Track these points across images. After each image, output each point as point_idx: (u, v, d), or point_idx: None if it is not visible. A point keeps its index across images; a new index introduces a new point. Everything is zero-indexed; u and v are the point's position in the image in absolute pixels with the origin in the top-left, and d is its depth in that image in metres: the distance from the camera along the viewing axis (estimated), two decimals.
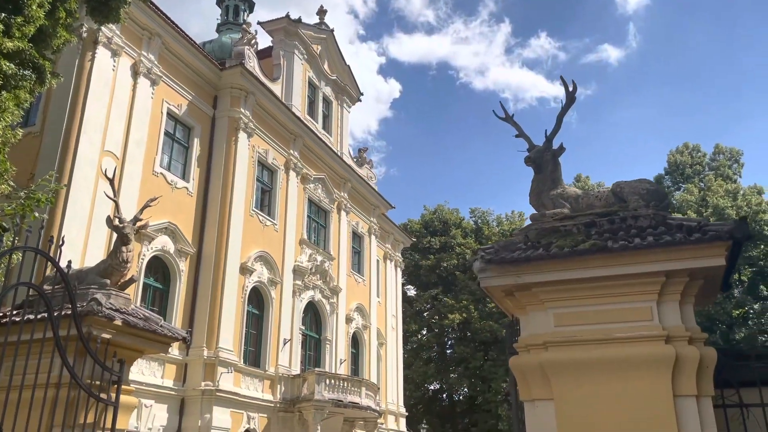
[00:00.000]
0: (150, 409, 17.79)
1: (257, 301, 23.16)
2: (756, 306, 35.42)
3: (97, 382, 6.76)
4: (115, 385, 7.19)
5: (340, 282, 28.28)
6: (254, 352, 22.51)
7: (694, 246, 5.06)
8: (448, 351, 49.29)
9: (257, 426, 21.12)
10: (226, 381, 19.81)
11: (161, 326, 7.97)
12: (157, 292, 19.42)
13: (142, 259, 18.54)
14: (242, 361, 21.26)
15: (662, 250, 5.13)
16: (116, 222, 8.13)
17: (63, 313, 6.47)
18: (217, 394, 19.18)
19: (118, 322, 7.21)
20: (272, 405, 22.03)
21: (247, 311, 22.20)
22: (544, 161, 6.50)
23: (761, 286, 35.63)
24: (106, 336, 7.09)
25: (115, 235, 8.03)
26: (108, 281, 7.81)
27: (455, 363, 46.33)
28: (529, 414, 5.56)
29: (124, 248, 8.06)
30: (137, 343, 7.70)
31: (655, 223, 5.45)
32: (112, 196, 8.78)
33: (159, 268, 19.59)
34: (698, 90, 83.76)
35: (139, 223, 8.42)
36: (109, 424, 7.11)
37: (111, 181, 8.80)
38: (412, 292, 50.42)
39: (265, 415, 21.65)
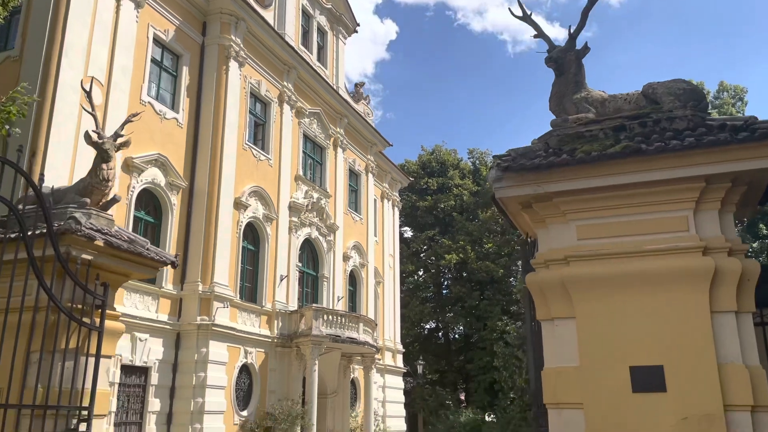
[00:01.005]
0: (145, 342, 17.57)
1: (252, 237, 22.72)
2: None
3: (80, 306, 6.27)
4: (99, 310, 6.70)
5: (337, 220, 27.82)
6: (250, 288, 22.24)
7: (741, 146, 4.48)
8: (444, 291, 49.52)
9: (254, 360, 21.06)
10: (222, 316, 19.58)
11: (147, 249, 7.42)
12: (149, 226, 18.91)
13: (132, 191, 17.93)
14: (238, 296, 21.00)
15: (704, 152, 4.56)
16: (95, 138, 7.46)
17: (38, 232, 5.89)
18: (213, 328, 18.97)
19: (100, 243, 6.65)
20: (269, 340, 21.93)
21: (243, 247, 21.78)
22: (567, 62, 5.84)
23: None
24: (87, 257, 6.54)
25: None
26: (88, 200, 7.20)
27: (451, 302, 46.58)
28: (547, 334, 5.10)
29: (104, 166, 7.42)
30: (122, 267, 7.17)
31: (694, 125, 4.85)
32: (90, 110, 8.06)
33: (150, 201, 19.00)
34: (701, 28, 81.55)
35: (120, 140, 7.75)
36: (94, 350, 6.65)
37: (88, 95, 8.06)
38: (408, 233, 50.20)
39: (263, 350, 21.57)
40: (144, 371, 17.61)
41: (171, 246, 19.26)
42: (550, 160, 4.99)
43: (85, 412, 6.38)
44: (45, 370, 5.95)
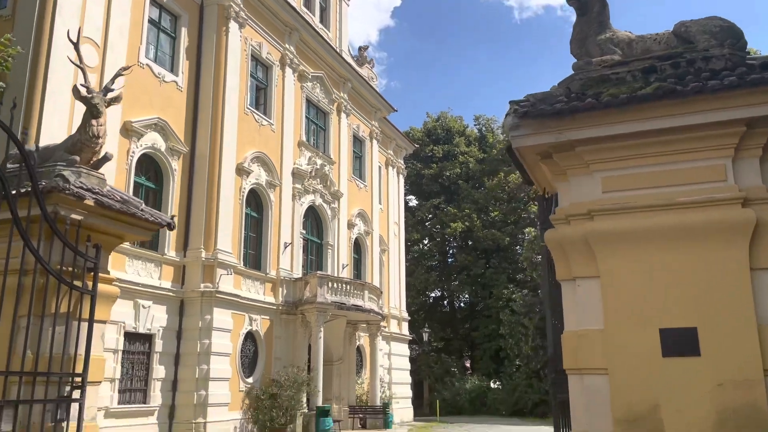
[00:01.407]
0: (148, 310, 17.38)
1: (256, 203, 22.36)
2: None
3: (70, 269, 5.90)
4: (92, 273, 6.34)
5: (341, 187, 27.40)
6: (254, 255, 21.97)
7: None
8: (450, 260, 49.31)
9: (260, 328, 20.91)
10: (226, 283, 19.35)
11: (142, 210, 7.03)
12: (150, 191, 18.54)
13: (132, 156, 17.52)
14: (242, 263, 20.74)
15: (746, 93, 4.10)
16: (84, 92, 7.00)
17: (23, 190, 5.48)
18: (217, 295, 18.76)
19: (90, 202, 6.25)
20: (274, 307, 21.75)
21: (246, 214, 21.44)
22: (590, 0, 5.33)
23: None
24: (76, 217, 6.14)
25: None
26: (77, 158, 6.78)
27: (457, 271, 46.42)
28: (567, 295, 4.72)
29: (94, 121, 6.97)
30: (115, 228, 6.78)
31: (732, 64, 4.37)
32: (78, 62, 7.59)
33: (150, 166, 18.61)
34: None
35: (110, 95, 7.30)
36: (86, 315, 6.31)
37: (76, 46, 7.58)
38: (413, 202, 49.78)
39: (268, 318, 21.40)
40: (148, 338, 17.46)
41: (173, 212, 18.93)
42: (573, 105, 4.54)
43: (78, 379, 6.06)
44: (34, 336, 5.63)
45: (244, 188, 21.20)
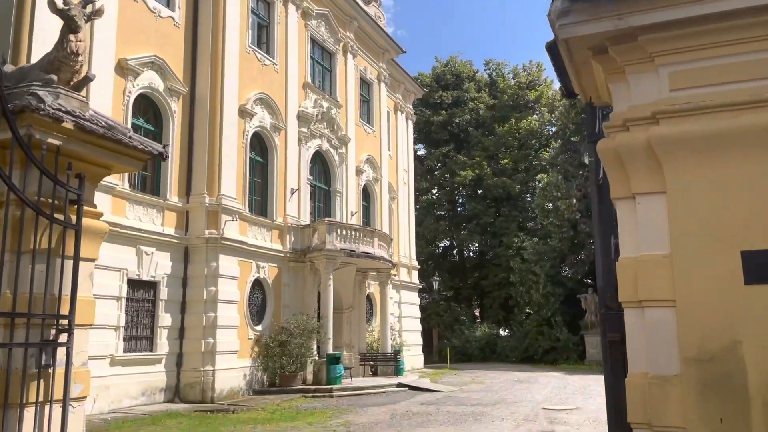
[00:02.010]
0: (151, 256, 16.87)
1: (260, 147, 21.56)
2: None
3: (50, 201, 5.19)
4: (75, 206, 5.62)
5: (349, 131, 26.48)
6: (260, 202, 21.33)
7: None
8: (459, 209, 48.65)
9: (267, 275, 20.45)
10: (231, 229, 18.77)
11: (130, 137, 6.27)
12: (149, 134, 17.72)
13: (128, 96, 16.67)
14: (247, 209, 20.12)
15: None
16: (60, 4, 6.14)
17: None
18: (222, 242, 18.20)
19: (69, 125, 5.47)
20: (282, 255, 21.24)
21: (250, 158, 20.68)
22: None
23: None
24: (54, 142, 5.37)
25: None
26: (54, 77, 5.97)
27: (466, 220, 45.83)
28: (624, 216, 3.98)
29: (72, 36, 6.10)
30: (100, 157, 6.01)
31: None
32: None
33: (149, 108, 17.77)
34: None
35: (90, 7, 6.43)
36: (71, 252, 5.62)
37: None
38: (422, 151, 48.74)
39: (275, 265, 20.92)
40: (152, 286, 17.01)
41: (175, 156, 18.21)
42: None
43: (64, 322, 5.42)
44: (11, 274, 4.98)
45: (248, 131, 20.36)
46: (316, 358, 20.33)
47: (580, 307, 32.91)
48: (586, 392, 19.09)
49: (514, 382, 22.75)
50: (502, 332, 40.41)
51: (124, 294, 15.89)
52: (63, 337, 5.35)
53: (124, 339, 15.89)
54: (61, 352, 5.25)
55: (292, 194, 22.16)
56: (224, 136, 18.97)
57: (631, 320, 3.88)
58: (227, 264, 18.49)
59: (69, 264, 5.50)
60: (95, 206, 6.02)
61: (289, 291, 21.32)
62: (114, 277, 15.50)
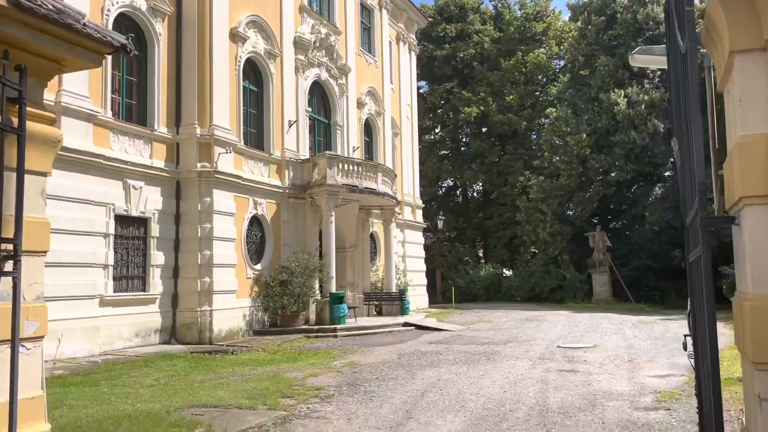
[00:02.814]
0: (140, 191, 15.76)
1: (254, 75, 20.10)
2: None
3: None
4: (17, 105, 4.43)
5: (349, 61, 24.89)
6: (256, 134, 20.05)
7: None
8: (463, 147, 47.24)
9: (266, 212, 19.40)
10: (226, 163, 17.58)
11: (84, 24, 5.00)
12: (134, 59, 16.32)
13: (107, 15, 15.17)
14: (242, 142, 18.86)
15: None
16: None
17: None
18: (216, 176, 17.06)
19: (2, 2, 4.21)
20: (281, 191, 20.13)
21: (244, 87, 19.26)
22: None
23: None
24: None
25: None
26: None
27: (470, 159, 44.52)
28: (749, 77, 2.84)
29: None
30: (47, 47, 4.75)
31: None
32: None
33: (131, 29, 16.22)
34: None
35: None
36: (14, 164, 4.47)
37: None
38: (425, 88, 46.87)
39: (274, 201, 19.84)
40: (142, 222, 15.98)
41: (161, 82, 16.82)
42: None
43: (9, 247, 4.31)
44: None
45: (240, 57, 18.86)
46: (319, 297, 19.53)
47: (586, 246, 32.11)
48: (599, 330, 18.37)
49: (522, 320, 22.07)
50: (506, 272, 39.73)
51: (112, 231, 14.85)
52: (8, 266, 4.25)
53: (114, 278, 14.97)
54: (6, 282, 4.17)
55: (290, 127, 20.86)
56: (215, 61, 17.52)
57: (755, 221, 2.78)
58: (222, 199, 17.41)
59: (12, 177, 4.33)
60: (44, 108, 4.81)
61: (289, 229, 20.34)
62: (99, 212, 14.44)
